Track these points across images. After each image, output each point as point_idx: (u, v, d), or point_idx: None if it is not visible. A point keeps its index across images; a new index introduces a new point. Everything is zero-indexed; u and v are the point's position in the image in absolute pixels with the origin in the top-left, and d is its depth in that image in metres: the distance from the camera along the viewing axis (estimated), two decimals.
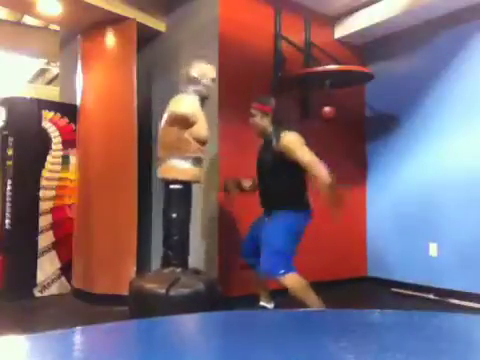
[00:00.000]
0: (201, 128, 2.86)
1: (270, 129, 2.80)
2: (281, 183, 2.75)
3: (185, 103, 2.87)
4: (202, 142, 2.89)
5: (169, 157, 2.87)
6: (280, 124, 2.81)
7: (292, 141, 2.67)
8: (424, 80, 4.00)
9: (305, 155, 2.60)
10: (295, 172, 2.71)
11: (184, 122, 2.81)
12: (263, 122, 2.82)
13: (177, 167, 2.85)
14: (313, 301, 2.54)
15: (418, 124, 4.03)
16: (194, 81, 2.88)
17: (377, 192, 4.39)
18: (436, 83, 3.91)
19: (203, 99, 2.93)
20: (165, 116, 2.91)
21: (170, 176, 2.89)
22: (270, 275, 2.69)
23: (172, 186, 2.90)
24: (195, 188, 3.24)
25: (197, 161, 2.90)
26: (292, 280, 2.58)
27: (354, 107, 4.44)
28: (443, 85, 3.86)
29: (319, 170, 2.52)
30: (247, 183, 3.03)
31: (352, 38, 4.31)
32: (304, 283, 2.60)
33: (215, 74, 2.98)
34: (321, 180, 2.48)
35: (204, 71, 2.90)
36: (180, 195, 2.91)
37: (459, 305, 3.55)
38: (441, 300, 3.69)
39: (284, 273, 2.57)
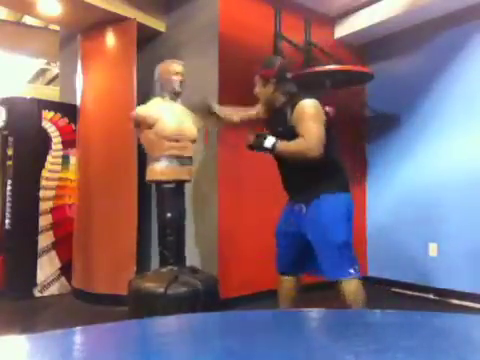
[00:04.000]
0: (164, 125, 2.80)
1: (281, 99, 2.18)
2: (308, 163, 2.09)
3: (142, 105, 2.92)
4: (171, 139, 2.80)
5: (148, 159, 2.93)
6: (297, 93, 2.19)
7: (307, 107, 2.04)
8: (424, 80, 3.99)
9: (311, 127, 1.99)
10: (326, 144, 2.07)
11: (142, 123, 2.85)
12: (266, 90, 2.20)
13: (153, 168, 2.87)
14: None
15: (418, 124, 4.03)
16: (158, 80, 2.95)
17: (377, 192, 4.39)
18: (436, 83, 3.91)
19: (175, 95, 2.93)
20: None
21: (148, 177, 2.93)
22: (336, 279, 2.11)
23: (162, 186, 2.91)
24: (196, 188, 3.24)
25: (172, 159, 2.83)
26: (358, 285, 2.08)
27: (354, 107, 4.43)
28: (443, 85, 3.86)
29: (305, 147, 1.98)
30: (232, 115, 2.47)
31: (352, 38, 4.30)
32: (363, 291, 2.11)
33: (180, 68, 2.93)
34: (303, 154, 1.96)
35: (165, 68, 2.93)
36: (170, 194, 2.91)
37: (459, 305, 3.55)
38: (441, 300, 3.69)
39: (351, 275, 2.04)
